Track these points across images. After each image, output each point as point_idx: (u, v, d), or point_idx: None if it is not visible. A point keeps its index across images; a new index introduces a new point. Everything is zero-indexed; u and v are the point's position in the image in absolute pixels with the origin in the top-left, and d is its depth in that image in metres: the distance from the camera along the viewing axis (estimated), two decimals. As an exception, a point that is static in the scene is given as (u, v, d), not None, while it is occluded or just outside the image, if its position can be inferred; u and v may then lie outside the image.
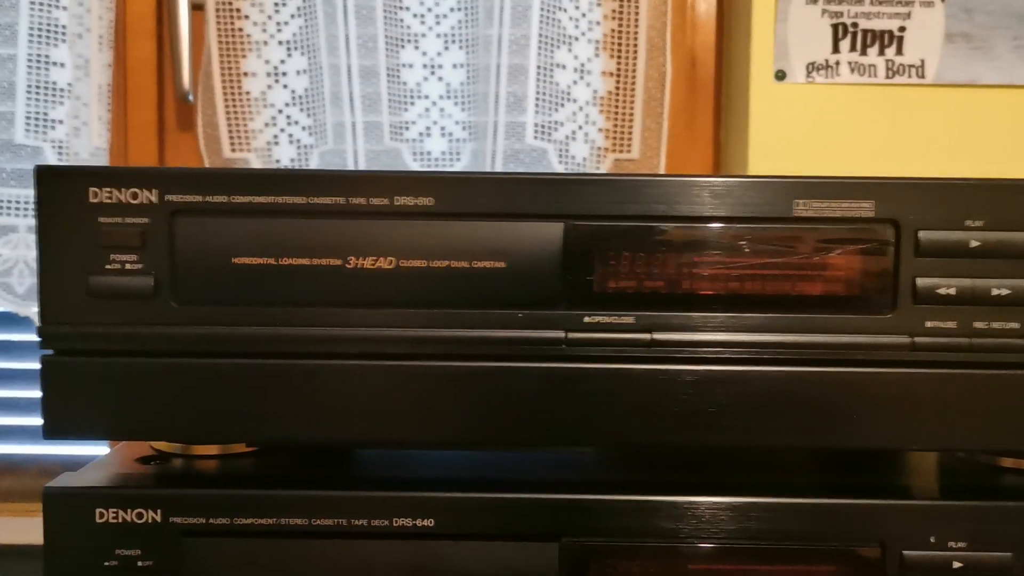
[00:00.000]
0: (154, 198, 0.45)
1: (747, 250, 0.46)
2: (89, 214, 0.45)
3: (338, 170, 0.48)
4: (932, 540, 0.47)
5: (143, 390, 0.46)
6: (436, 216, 0.46)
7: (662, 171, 1.04)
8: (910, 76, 0.96)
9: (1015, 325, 0.46)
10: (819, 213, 0.46)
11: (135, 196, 0.45)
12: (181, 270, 0.45)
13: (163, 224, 0.45)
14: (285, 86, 1.05)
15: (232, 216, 0.45)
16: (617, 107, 1.05)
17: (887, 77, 0.96)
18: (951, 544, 0.46)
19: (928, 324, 0.46)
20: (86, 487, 0.46)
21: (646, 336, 0.46)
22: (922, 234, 0.46)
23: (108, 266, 0.45)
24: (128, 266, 0.45)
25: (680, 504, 0.46)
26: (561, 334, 0.46)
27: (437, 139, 1.06)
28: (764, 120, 0.98)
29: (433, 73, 1.06)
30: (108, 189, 0.45)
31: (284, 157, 1.05)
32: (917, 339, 0.46)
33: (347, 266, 0.46)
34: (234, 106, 1.05)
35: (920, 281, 0.46)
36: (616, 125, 1.06)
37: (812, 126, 0.97)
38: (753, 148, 0.98)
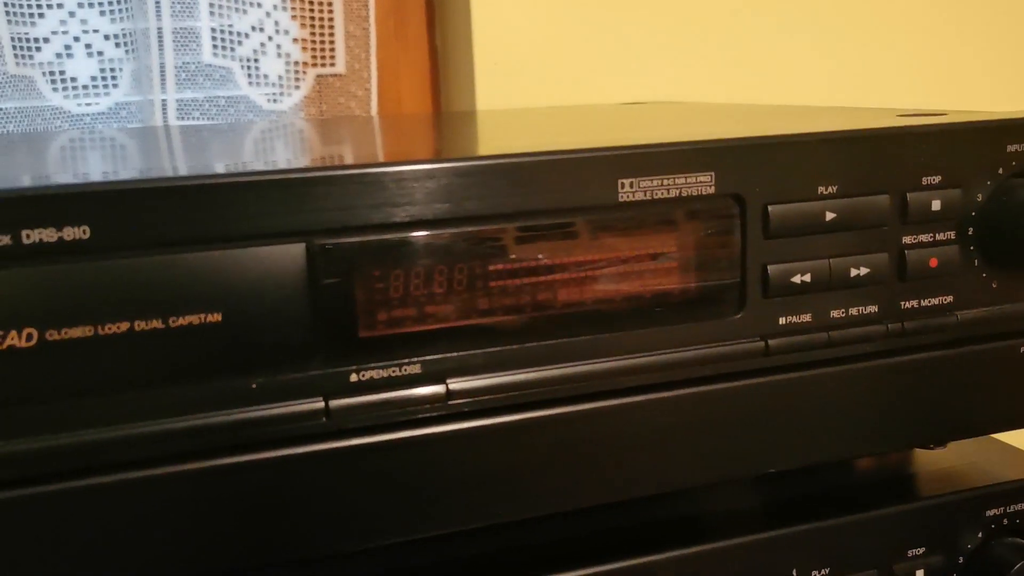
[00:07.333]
0: None
1: (563, 253, 0.34)
2: None
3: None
4: (794, 573, 0.39)
5: None
6: (97, 253, 0.28)
7: (374, 86, 0.88)
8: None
9: (873, 308, 0.38)
10: (650, 195, 0.34)
11: None
12: None
13: None
14: None
15: None
16: (313, 11, 0.87)
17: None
18: (814, 574, 0.39)
19: (782, 321, 0.37)
20: None
21: (439, 389, 0.33)
22: (773, 209, 0.36)
23: None
24: None
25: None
26: (319, 404, 0.31)
27: (83, 60, 0.82)
28: (489, 19, 0.84)
29: (65, -28, 0.81)
30: None
31: None
32: (771, 341, 0.36)
33: (-50, 353, 0.27)
34: None
35: (772, 269, 0.36)
36: (314, 33, 0.88)
37: (549, 24, 0.84)
38: (479, 52, 0.84)
